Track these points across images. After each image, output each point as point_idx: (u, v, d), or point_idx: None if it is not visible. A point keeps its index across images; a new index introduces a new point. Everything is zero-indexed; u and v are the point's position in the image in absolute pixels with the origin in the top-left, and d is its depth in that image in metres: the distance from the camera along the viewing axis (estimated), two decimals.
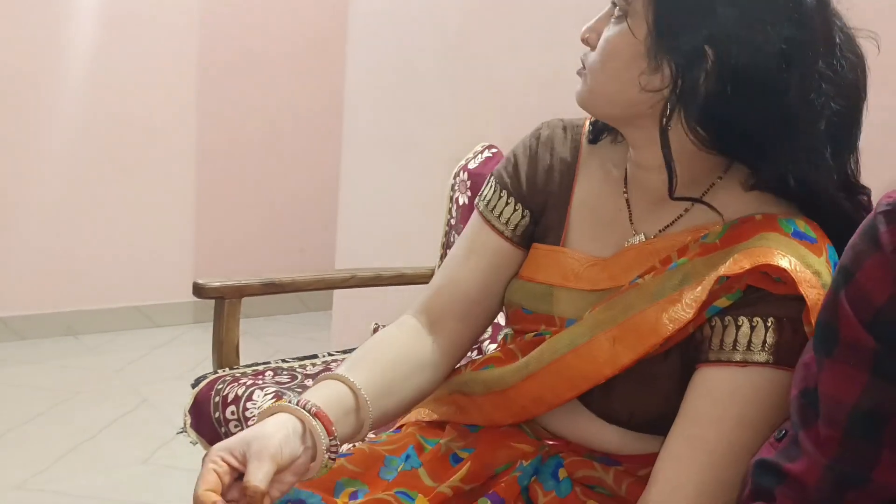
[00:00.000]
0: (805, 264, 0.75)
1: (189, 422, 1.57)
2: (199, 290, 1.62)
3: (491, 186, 1.01)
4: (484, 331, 1.02)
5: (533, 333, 0.94)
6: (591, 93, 0.87)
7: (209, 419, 1.53)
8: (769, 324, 0.75)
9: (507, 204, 0.98)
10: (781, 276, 0.74)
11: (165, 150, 3.37)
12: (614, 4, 0.85)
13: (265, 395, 1.50)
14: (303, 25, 3.54)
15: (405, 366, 0.93)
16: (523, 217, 0.98)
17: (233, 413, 1.50)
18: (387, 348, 0.94)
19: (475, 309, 0.98)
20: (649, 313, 0.80)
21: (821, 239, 0.80)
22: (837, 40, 0.80)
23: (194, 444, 1.59)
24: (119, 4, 3.19)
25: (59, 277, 3.22)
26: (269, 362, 1.72)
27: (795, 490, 0.64)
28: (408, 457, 0.93)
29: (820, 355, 0.64)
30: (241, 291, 1.66)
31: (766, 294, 0.76)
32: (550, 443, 0.92)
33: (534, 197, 0.98)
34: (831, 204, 0.81)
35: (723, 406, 0.75)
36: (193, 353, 3.12)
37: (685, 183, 0.84)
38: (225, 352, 1.67)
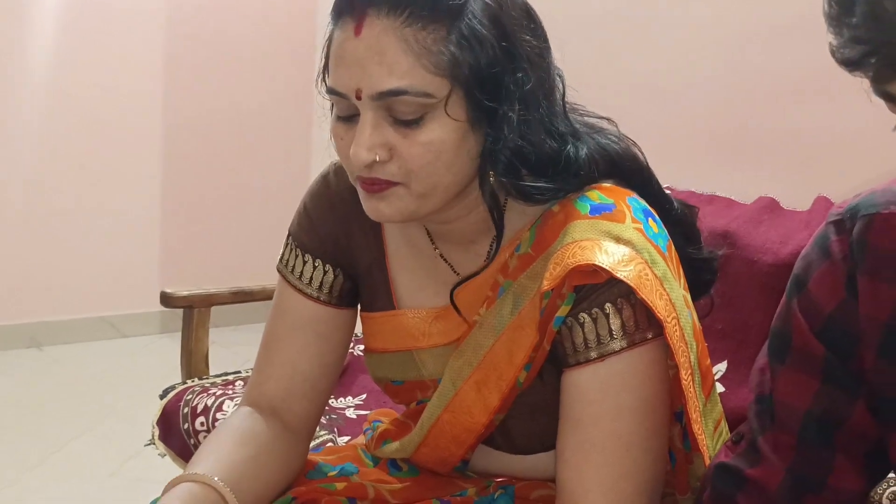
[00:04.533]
0: (613, 238, 0.76)
1: (157, 433, 1.55)
2: (166, 300, 1.61)
3: (289, 247, 0.93)
4: (331, 394, 0.97)
5: (415, 402, 0.93)
6: (422, 199, 0.77)
7: (178, 431, 1.51)
8: (607, 310, 0.76)
9: (314, 267, 0.91)
10: (596, 268, 0.75)
11: (130, 156, 3.32)
12: (395, 108, 0.74)
13: (235, 405, 1.49)
14: (271, 24, 3.49)
15: (257, 453, 0.87)
16: (335, 277, 0.92)
17: (202, 424, 1.48)
18: (233, 441, 0.87)
19: (316, 384, 0.92)
20: (498, 348, 0.81)
21: (618, 198, 0.80)
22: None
23: (163, 456, 1.57)
24: (82, 3, 3.12)
25: (22, 288, 3.16)
26: (238, 372, 1.70)
27: (756, 495, 0.65)
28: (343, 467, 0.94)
29: (774, 362, 0.66)
30: (209, 300, 1.64)
31: (593, 286, 0.76)
32: (498, 480, 0.91)
33: (339, 252, 0.92)
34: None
35: (597, 404, 0.76)
36: (161, 363, 3.07)
37: (483, 213, 0.82)
38: (194, 362, 1.65)
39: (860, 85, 0.46)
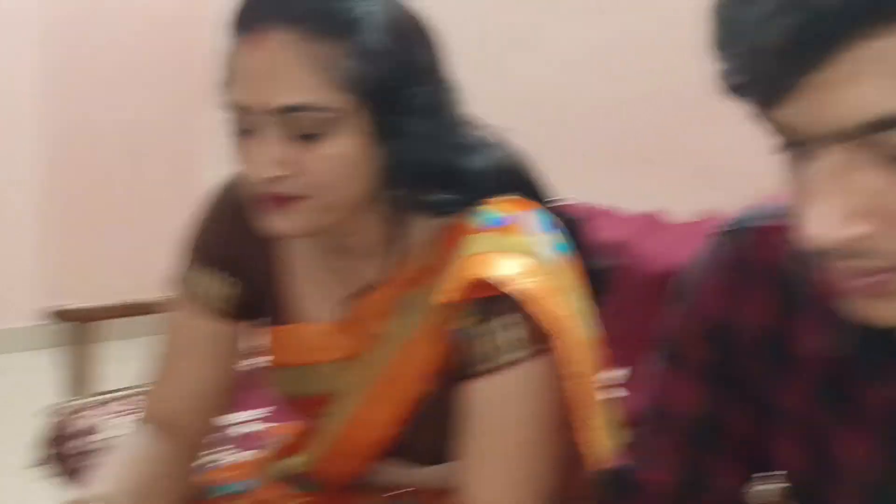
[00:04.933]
0: (510, 251, 0.78)
1: (42, 455, 1.48)
2: (55, 314, 1.54)
3: (186, 260, 0.92)
4: (229, 408, 0.97)
5: (317, 416, 0.92)
6: (323, 214, 0.77)
7: (66, 450, 1.44)
8: (506, 322, 0.78)
9: (211, 280, 0.90)
10: (494, 280, 0.77)
11: (2, 163, 3.14)
12: (297, 123, 0.75)
13: (129, 422, 1.44)
14: (159, 31, 3.39)
15: (158, 472, 0.86)
16: (234, 290, 0.90)
17: (92, 443, 1.42)
18: (133, 461, 0.86)
19: (213, 399, 0.92)
20: (397, 362, 0.82)
21: (515, 211, 0.82)
22: None
23: (48, 478, 1.49)
24: None
25: None
26: (130, 388, 1.64)
27: (646, 497, 0.68)
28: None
29: (662, 368, 0.69)
30: (101, 314, 1.57)
31: (492, 298, 0.77)
32: (401, 492, 0.92)
33: (238, 265, 0.90)
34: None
35: (499, 413, 0.78)
36: (41, 381, 2.92)
37: (384, 226, 0.83)
38: (83, 378, 1.58)
39: (742, 106, 0.50)
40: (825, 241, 0.45)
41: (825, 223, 0.44)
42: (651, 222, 1.50)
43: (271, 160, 0.74)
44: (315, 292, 0.90)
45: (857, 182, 0.44)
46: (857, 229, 0.44)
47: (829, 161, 0.45)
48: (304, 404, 0.93)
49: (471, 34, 1.87)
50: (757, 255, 0.63)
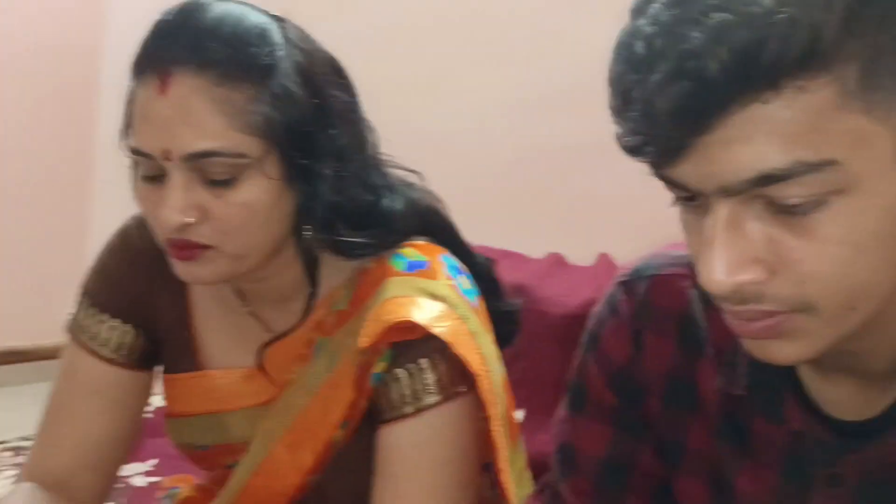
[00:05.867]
0: (429, 295, 0.78)
1: None
2: None
3: (83, 305, 0.88)
4: (124, 463, 0.91)
5: (223, 467, 0.89)
6: (237, 261, 0.75)
7: None
8: (423, 366, 0.77)
9: (112, 327, 0.86)
10: (413, 324, 0.77)
11: None
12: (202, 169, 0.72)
13: (4, 479, 1.34)
14: (45, 45, 3.18)
15: None
16: (136, 337, 0.87)
17: None
18: None
19: (110, 454, 0.87)
20: (313, 407, 0.81)
21: (431, 255, 0.82)
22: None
23: None
24: None
25: None
26: (6, 441, 1.54)
27: None
28: None
29: (572, 413, 0.71)
30: None
31: (409, 342, 0.77)
32: None
33: (140, 311, 0.87)
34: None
35: (412, 458, 0.77)
36: None
37: (297, 270, 0.82)
38: None
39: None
40: (719, 288, 0.48)
41: (718, 270, 0.47)
42: (550, 266, 1.53)
43: (181, 207, 0.71)
44: (224, 338, 0.87)
45: (748, 232, 0.48)
46: (747, 276, 0.48)
47: (721, 213, 0.48)
48: (209, 455, 0.89)
49: (383, 79, 1.88)
50: (656, 302, 0.66)
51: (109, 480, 0.88)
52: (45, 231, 3.27)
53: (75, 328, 0.87)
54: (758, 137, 0.45)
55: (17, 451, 1.48)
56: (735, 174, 0.46)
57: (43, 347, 1.62)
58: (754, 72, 0.44)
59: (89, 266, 0.90)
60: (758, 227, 0.47)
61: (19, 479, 0.86)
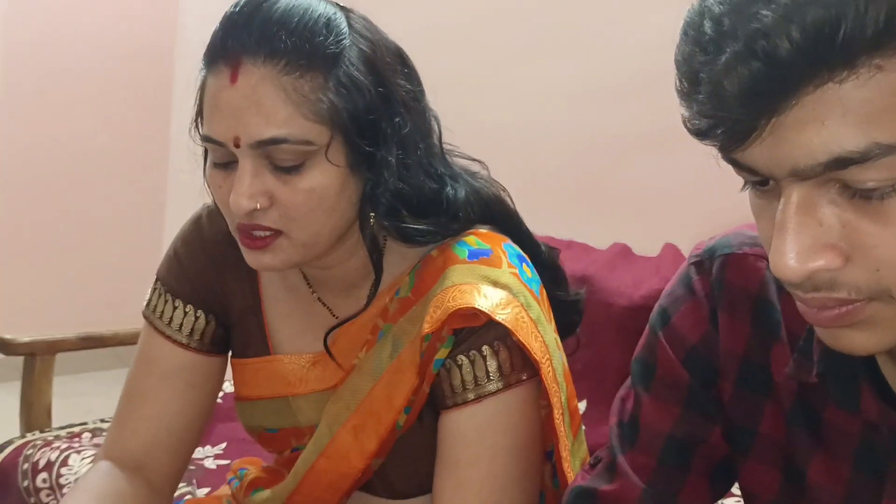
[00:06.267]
0: (491, 283, 0.79)
1: None
2: (6, 347, 1.49)
3: (157, 292, 0.90)
4: (195, 449, 0.93)
5: (290, 450, 0.90)
6: (305, 248, 0.77)
7: (16, 489, 1.39)
8: (485, 353, 0.78)
9: (185, 313, 0.88)
10: (476, 311, 0.78)
11: None
12: (267, 156, 0.74)
13: (83, 459, 1.39)
14: (124, 52, 3.34)
15: None
16: (208, 323, 0.89)
17: (45, 481, 1.37)
18: (94, 500, 0.82)
19: (185, 436, 0.89)
20: (377, 392, 0.81)
21: (494, 243, 0.82)
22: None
23: None
24: None
25: None
26: (85, 423, 1.60)
27: None
28: None
29: (638, 389, 0.70)
30: (54, 347, 1.53)
31: (472, 329, 0.78)
32: None
33: (212, 298, 0.89)
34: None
35: (474, 445, 0.78)
36: None
37: (362, 257, 0.83)
38: (34, 414, 1.54)
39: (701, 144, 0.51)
40: (791, 275, 0.46)
41: (790, 257, 0.46)
42: (615, 256, 1.51)
43: (251, 193, 0.73)
44: (292, 324, 0.88)
45: (821, 217, 0.46)
46: (820, 263, 0.46)
47: (793, 198, 0.46)
48: (277, 438, 0.91)
49: (447, 70, 1.89)
50: (730, 281, 0.65)
51: (183, 462, 0.90)
52: (123, 221, 3.39)
53: (150, 314, 0.90)
54: (832, 119, 0.43)
55: (95, 432, 1.54)
56: (808, 157, 0.44)
57: (120, 333, 1.68)
58: (828, 51, 0.42)
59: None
60: (832, 212, 0.45)
61: (97, 458, 0.89)
